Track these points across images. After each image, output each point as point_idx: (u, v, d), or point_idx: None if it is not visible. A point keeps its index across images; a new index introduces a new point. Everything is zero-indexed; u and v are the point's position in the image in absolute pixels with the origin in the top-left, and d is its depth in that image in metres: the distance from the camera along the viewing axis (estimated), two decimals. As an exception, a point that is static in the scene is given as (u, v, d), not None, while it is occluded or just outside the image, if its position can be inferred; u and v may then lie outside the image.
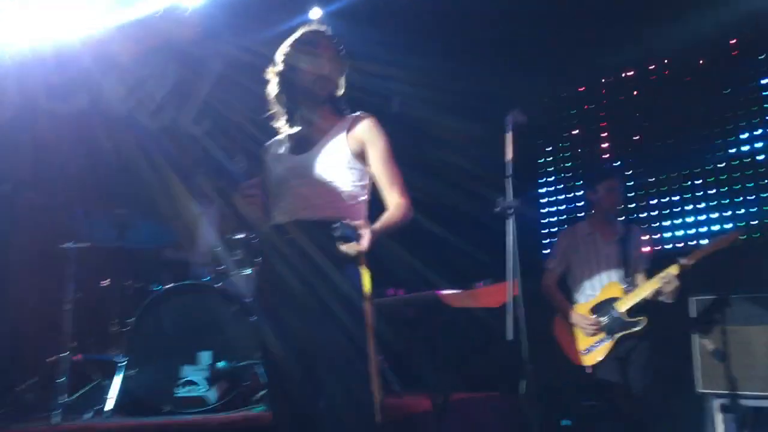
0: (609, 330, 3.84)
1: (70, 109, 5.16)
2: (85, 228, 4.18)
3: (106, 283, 4.22)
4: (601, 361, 3.84)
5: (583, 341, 3.91)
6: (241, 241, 4.28)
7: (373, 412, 2.20)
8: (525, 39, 5.26)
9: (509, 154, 3.07)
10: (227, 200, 4.83)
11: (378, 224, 2.36)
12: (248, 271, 4.23)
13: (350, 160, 2.48)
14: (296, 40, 2.58)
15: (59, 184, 4.79)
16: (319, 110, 2.58)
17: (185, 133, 5.72)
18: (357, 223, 2.23)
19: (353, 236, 2.20)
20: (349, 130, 2.52)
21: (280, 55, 2.59)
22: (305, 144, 2.54)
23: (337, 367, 2.25)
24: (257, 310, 2.58)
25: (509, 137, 3.08)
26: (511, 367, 2.93)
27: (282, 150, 2.59)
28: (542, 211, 6.03)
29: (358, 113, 2.58)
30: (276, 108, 2.64)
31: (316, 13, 5.50)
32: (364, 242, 2.21)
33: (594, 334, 3.88)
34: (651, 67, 5.56)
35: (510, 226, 3.00)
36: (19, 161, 4.76)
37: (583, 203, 5.68)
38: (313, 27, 2.60)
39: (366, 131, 2.51)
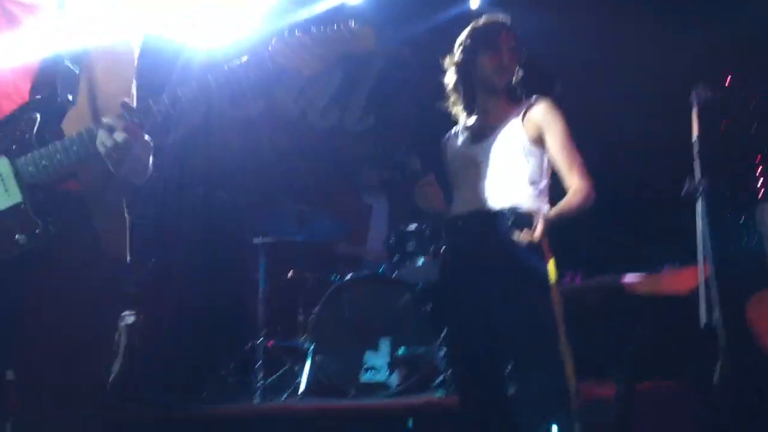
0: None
1: (248, 114, 5.56)
2: (269, 223, 4.51)
3: (291, 274, 4.51)
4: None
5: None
6: (413, 232, 4.40)
7: (570, 398, 2.20)
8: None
9: (696, 131, 2.93)
10: (398, 192, 4.99)
11: (554, 211, 2.35)
12: (421, 262, 4.33)
13: (527, 146, 2.48)
14: (475, 30, 2.61)
15: (245, 184, 5.17)
16: (496, 99, 2.60)
17: (352, 130, 5.96)
18: (530, 210, 2.24)
19: (526, 223, 2.21)
20: (524, 115, 2.52)
21: (458, 46, 2.64)
22: (483, 133, 2.57)
23: (531, 354, 2.28)
24: (441, 298, 2.65)
25: (695, 114, 2.94)
26: (705, 357, 2.80)
27: (461, 140, 2.64)
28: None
29: (533, 98, 2.57)
30: (453, 97, 2.70)
31: (475, 2, 5.50)
32: (538, 231, 2.22)
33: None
34: None
35: (699, 207, 2.86)
36: (209, 165, 5.20)
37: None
38: (493, 17, 2.62)
39: (541, 115, 2.49)
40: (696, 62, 4.37)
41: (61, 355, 1.52)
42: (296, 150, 5.51)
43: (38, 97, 1.58)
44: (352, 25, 1.65)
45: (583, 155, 2.46)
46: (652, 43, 4.82)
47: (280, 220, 4.45)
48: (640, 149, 4.52)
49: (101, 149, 1.53)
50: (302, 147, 5.59)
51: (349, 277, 4.29)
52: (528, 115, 2.52)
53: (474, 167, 2.51)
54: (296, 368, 4.14)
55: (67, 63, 1.61)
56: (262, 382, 3.97)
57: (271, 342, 4.24)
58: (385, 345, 4.07)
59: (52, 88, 1.59)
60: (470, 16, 5.40)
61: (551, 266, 2.34)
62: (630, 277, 3.21)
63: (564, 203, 2.39)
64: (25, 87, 1.61)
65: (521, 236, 2.23)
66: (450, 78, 2.67)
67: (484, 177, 2.48)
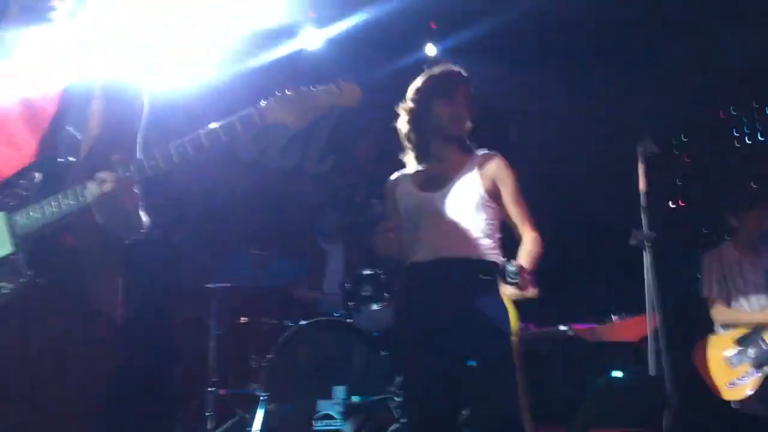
0: (758, 363, 3.62)
1: (207, 156, 5.52)
2: (224, 267, 4.45)
3: (244, 320, 4.45)
4: (750, 396, 3.62)
5: (726, 374, 3.71)
6: (368, 277, 4.38)
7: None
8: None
9: (642, 185, 3.01)
10: (355, 236, 4.98)
11: (527, 262, 2.39)
12: (377, 307, 4.32)
13: (483, 197, 2.53)
14: (432, 78, 2.65)
15: (200, 226, 5.12)
16: (449, 147, 2.65)
17: (311, 172, 5.97)
18: (518, 264, 2.28)
19: (517, 278, 2.25)
20: (480, 167, 2.57)
21: (413, 92, 2.66)
22: (438, 181, 2.60)
23: (489, 402, 2.29)
24: (398, 343, 2.63)
25: (642, 168, 3.02)
26: (654, 403, 2.84)
27: (412, 186, 2.64)
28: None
29: (485, 151, 2.63)
30: (405, 143, 2.72)
31: (431, 50, 5.61)
32: (532, 287, 2.26)
33: (739, 367, 3.67)
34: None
35: (647, 257, 2.93)
36: (165, 207, 5.13)
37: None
38: (449, 67, 2.67)
39: (497, 170, 2.56)
40: (644, 117, 4.53)
41: (41, 409, 1.58)
42: (253, 192, 5.48)
43: (40, 158, 1.67)
44: (340, 81, 1.74)
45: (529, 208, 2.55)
46: (603, 95, 4.99)
47: (234, 264, 4.40)
48: (589, 199, 4.64)
49: (90, 199, 1.60)
50: (259, 189, 5.57)
51: (303, 322, 4.25)
52: (484, 168, 2.57)
53: (432, 215, 2.53)
54: (248, 417, 4.05)
55: (69, 128, 1.70)
56: (213, 431, 3.87)
57: (223, 390, 4.16)
58: (339, 392, 4.02)
59: (54, 151, 1.67)
60: (426, 63, 5.53)
61: (513, 317, 2.38)
62: (580, 326, 3.26)
63: (529, 253, 2.46)
64: (30, 150, 1.69)
65: (513, 291, 2.27)
66: (403, 124, 2.69)
67: (443, 225, 2.50)
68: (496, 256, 2.49)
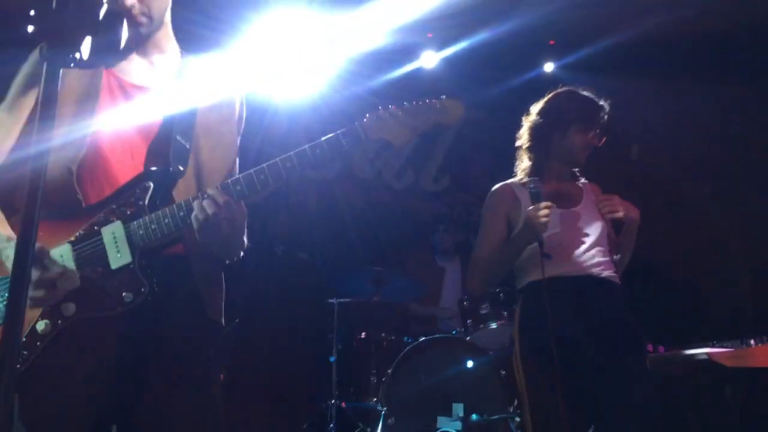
0: None
1: (325, 175, 5.73)
2: (345, 284, 4.58)
3: (364, 335, 4.54)
4: None
5: None
6: (488, 294, 4.37)
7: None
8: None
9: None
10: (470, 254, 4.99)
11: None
12: (494, 326, 4.29)
13: (609, 226, 2.59)
14: (574, 100, 2.63)
15: (321, 244, 5.29)
16: (567, 170, 2.65)
17: (427, 190, 6.04)
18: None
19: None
20: (593, 191, 2.66)
21: (547, 108, 2.64)
22: (568, 197, 2.58)
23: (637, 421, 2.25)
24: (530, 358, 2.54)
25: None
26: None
27: (535, 199, 2.51)
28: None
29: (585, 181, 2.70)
30: (522, 153, 2.70)
31: (549, 66, 5.56)
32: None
33: None
34: None
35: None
36: (289, 224, 5.35)
37: None
38: (593, 95, 2.65)
39: (599, 190, 2.69)
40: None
41: (162, 411, 1.63)
42: (372, 210, 5.61)
43: (152, 168, 1.71)
44: (443, 98, 1.73)
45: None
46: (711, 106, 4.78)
47: (355, 280, 4.52)
48: (714, 218, 4.41)
49: (193, 221, 1.63)
50: (378, 207, 5.69)
51: (422, 339, 4.29)
52: (594, 190, 2.66)
53: (572, 230, 2.51)
54: (368, 430, 4.13)
55: (179, 138, 1.75)
56: (334, 444, 3.98)
57: (344, 403, 4.26)
58: (458, 410, 4.02)
59: (165, 160, 1.72)
60: (542, 79, 5.48)
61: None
62: (717, 350, 3.10)
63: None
64: (140, 158, 1.75)
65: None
66: (526, 136, 2.67)
67: (590, 243, 2.49)
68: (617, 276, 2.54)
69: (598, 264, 2.45)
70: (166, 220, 1.64)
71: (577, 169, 2.71)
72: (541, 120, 2.62)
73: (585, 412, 2.35)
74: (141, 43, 1.82)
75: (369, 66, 5.04)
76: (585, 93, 2.65)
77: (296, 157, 1.67)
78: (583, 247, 2.47)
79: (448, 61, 5.40)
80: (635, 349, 2.37)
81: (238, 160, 1.91)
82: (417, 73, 5.43)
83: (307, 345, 4.94)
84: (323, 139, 1.68)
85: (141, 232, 1.63)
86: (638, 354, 2.38)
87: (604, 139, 2.61)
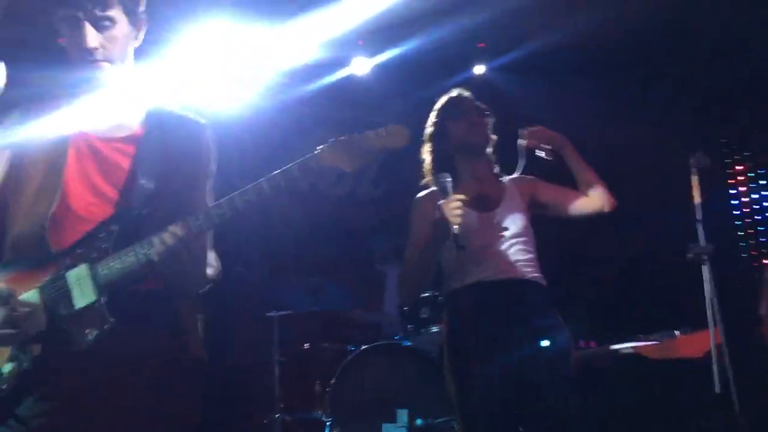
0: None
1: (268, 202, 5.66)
2: (283, 296, 4.56)
3: (306, 346, 4.53)
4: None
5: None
6: (426, 299, 4.41)
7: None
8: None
9: (697, 197, 2.97)
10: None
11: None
12: (436, 329, 4.33)
13: (528, 218, 2.59)
14: (440, 106, 2.77)
15: (258, 257, 5.25)
16: (479, 164, 2.71)
17: (364, 198, 6.04)
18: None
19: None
20: (517, 187, 2.66)
21: (429, 125, 2.79)
22: (487, 201, 2.61)
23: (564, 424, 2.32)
24: (456, 361, 2.59)
25: (695, 180, 2.98)
26: (721, 421, 2.77)
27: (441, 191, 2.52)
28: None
29: (515, 176, 2.73)
30: (426, 170, 2.79)
31: (479, 69, 5.64)
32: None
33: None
34: None
35: (706, 272, 2.88)
36: (225, 239, 5.28)
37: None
38: (450, 93, 2.77)
39: (528, 180, 2.69)
40: (693, 131, 4.45)
41: None
42: (307, 221, 5.59)
43: (117, 212, 1.79)
44: (389, 126, 1.85)
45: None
46: (650, 111, 4.94)
47: (293, 292, 4.50)
48: (643, 215, 4.55)
49: (154, 256, 1.70)
50: (313, 217, 5.67)
51: (364, 347, 4.30)
52: (519, 185, 2.65)
53: (495, 234, 2.53)
54: (315, 443, 4.12)
55: (143, 181, 1.83)
56: (279, 458, 3.96)
57: (289, 416, 4.24)
58: (402, 415, 4.04)
59: (130, 203, 1.80)
60: (473, 81, 5.55)
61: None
62: (643, 344, 3.22)
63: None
64: (110, 203, 1.82)
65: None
66: (426, 153, 2.77)
67: (507, 245, 2.51)
68: (541, 276, 2.55)
69: (520, 265, 2.49)
70: (129, 258, 1.71)
71: (497, 169, 2.75)
72: (428, 132, 2.76)
73: (513, 418, 2.40)
74: (104, 85, 1.87)
75: (298, 76, 5.03)
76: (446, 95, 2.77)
77: (253, 191, 1.76)
78: (503, 250, 2.50)
79: (381, 67, 5.42)
80: (559, 351, 2.41)
81: (210, 190, 2.00)
82: (349, 81, 5.44)
83: (248, 359, 4.89)
84: (279, 172, 1.77)
85: (105, 271, 1.70)
86: (562, 357, 2.43)
87: (486, 119, 2.67)
